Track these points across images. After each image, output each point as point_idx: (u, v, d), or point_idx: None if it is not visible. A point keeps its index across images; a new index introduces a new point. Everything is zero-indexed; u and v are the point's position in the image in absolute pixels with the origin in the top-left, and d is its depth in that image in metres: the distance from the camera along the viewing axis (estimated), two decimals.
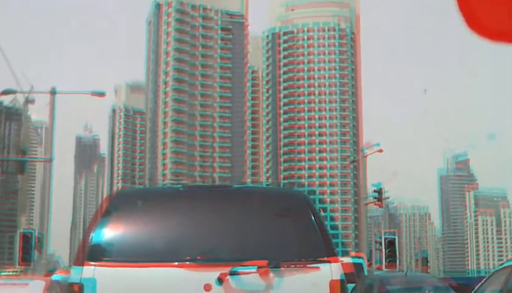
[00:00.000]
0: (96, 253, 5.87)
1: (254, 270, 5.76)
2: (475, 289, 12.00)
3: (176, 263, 5.77)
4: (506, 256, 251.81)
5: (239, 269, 5.75)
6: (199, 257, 5.80)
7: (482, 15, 1.49)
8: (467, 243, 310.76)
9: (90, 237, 5.97)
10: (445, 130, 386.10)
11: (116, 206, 6.30)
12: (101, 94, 46.01)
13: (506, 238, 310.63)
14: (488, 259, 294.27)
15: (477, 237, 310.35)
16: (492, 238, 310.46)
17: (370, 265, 40.54)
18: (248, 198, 6.59)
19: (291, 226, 6.20)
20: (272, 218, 6.25)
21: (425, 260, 65.51)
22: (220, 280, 5.71)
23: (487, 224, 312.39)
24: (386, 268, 35.06)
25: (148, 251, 5.93)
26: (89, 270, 5.78)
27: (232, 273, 5.73)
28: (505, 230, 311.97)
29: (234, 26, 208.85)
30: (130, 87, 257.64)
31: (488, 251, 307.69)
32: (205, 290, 5.70)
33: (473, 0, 1.57)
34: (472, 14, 1.54)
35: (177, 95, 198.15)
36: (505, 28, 1.57)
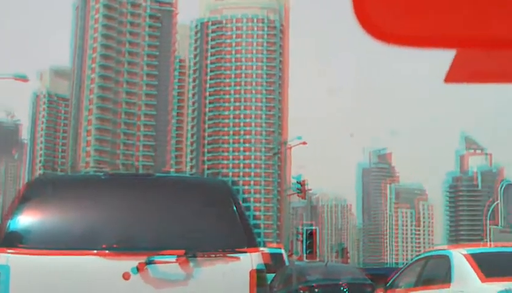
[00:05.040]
0: (11, 240, 5.76)
1: (173, 260, 5.76)
2: (392, 278, 12.26)
3: (95, 251, 5.72)
4: (424, 248, 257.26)
5: (156, 258, 5.73)
6: (115, 246, 5.75)
7: (378, 19, 1.60)
8: (386, 235, 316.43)
9: (7, 224, 5.86)
10: (367, 127, 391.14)
11: (35, 192, 6.20)
12: (23, 78, 45.10)
13: (423, 231, 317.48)
14: (406, 251, 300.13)
15: (396, 229, 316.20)
16: (411, 230, 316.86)
17: (291, 255, 40.96)
18: (170, 187, 6.58)
19: (213, 215, 6.22)
20: (194, 207, 6.25)
21: (345, 252, 66.64)
22: (138, 269, 5.69)
23: (406, 217, 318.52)
24: (306, 258, 35.46)
25: (66, 239, 5.85)
26: (3, 257, 5.66)
27: (149, 262, 5.70)
28: (423, 223, 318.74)
29: (163, 14, 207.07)
30: (55, 72, 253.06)
31: (406, 243, 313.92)
32: (124, 278, 5.67)
33: (368, 4, 1.54)
34: (368, 17, 1.53)
35: (103, 82, 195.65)
36: (400, 32, 1.65)
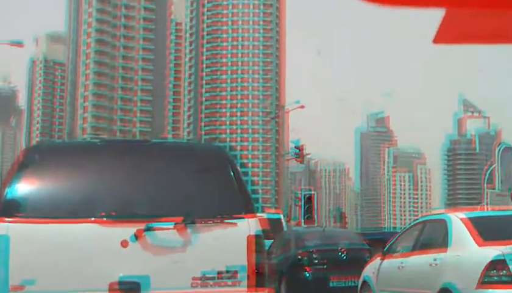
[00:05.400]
0: (9, 209, 5.73)
1: (171, 226, 5.77)
2: (390, 243, 12.32)
3: (93, 219, 5.73)
4: (421, 212, 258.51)
5: (155, 225, 5.74)
6: (113, 213, 5.75)
7: None
8: (384, 199, 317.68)
9: (5, 192, 5.84)
10: (365, 91, 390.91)
11: (33, 159, 6.17)
12: (19, 44, 44.88)
13: (421, 195, 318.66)
14: (404, 215, 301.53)
15: (394, 193, 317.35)
16: (409, 194, 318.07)
17: (289, 221, 41.08)
18: (167, 153, 6.57)
19: (210, 181, 6.22)
20: (191, 174, 6.25)
21: (343, 216, 66.89)
22: (136, 236, 5.71)
23: (404, 181, 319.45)
24: (305, 224, 35.60)
25: (64, 207, 5.85)
26: (2, 227, 5.64)
27: (148, 229, 5.72)
28: (421, 187, 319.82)
29: None
30: (51, 38, 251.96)
31: (404, 207, 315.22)
32: (122, 246, 5.68)
33: None
34: None
35: (99, 47, 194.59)
36: None
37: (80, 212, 5.77)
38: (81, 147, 7.23)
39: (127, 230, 5.69)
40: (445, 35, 1.89)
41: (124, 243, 5.68)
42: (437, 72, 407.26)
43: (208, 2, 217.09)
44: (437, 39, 1.91)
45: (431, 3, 1.70)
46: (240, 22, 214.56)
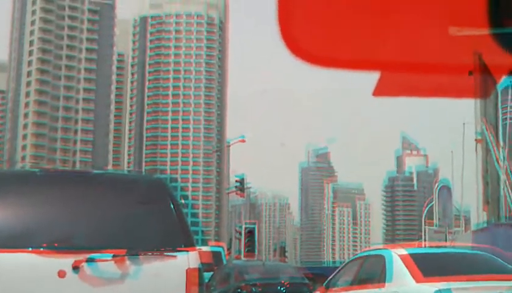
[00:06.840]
0: None
1: (109, 258, 5.71)
2: (329, 278, 12.35)
3: (30, 249, 5.62)
4: (360, 247, 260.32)
5: (95, 256, 5.67)
6: (51, 244, 5.67)
7: (304, 42, 1.75)
8: (324, 234, 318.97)
9: None
10: (308, 127, 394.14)
11: None
12: None
13: (361, 230, 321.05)
14: (343, 250, 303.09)
15: (334, 228, 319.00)
16: (348, 229, 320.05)
17: (229, 254, 40.95)
18: (108, 185, 6.51)
19: (150, 213, 6.18)
20: (131, 205, 6.21)
21: (283, 250, 67.01)
22: (75, 267, 5.62)
23: (343, 216, 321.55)
24: (245, 257, 35.53)
25: (1, 237, 5.75)
26: None
27: (87, 260, 5.65)
28: (360, 222, 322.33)
29: (102, 8, 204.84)
30: None
31: (344, 242, 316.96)
32: (59, 276, 5.58)
33: (295, 28, 1.68)
34: (295, 41, 1.69)
35: (41, 76, 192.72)
36: (326, 54, 1.71)
37: (18, 243, 5.66)
38: (20, 176, 7.10)
39: (66, 261, 5.61)
40: (384, 89, 1.95)
41: (61, 274, 5.59)
42: (379, 110, 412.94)
43: (151, 35, 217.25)
44: (376, 93, 1.99)
45: (365, 67, 1.78)
46: (183, 56, 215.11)
